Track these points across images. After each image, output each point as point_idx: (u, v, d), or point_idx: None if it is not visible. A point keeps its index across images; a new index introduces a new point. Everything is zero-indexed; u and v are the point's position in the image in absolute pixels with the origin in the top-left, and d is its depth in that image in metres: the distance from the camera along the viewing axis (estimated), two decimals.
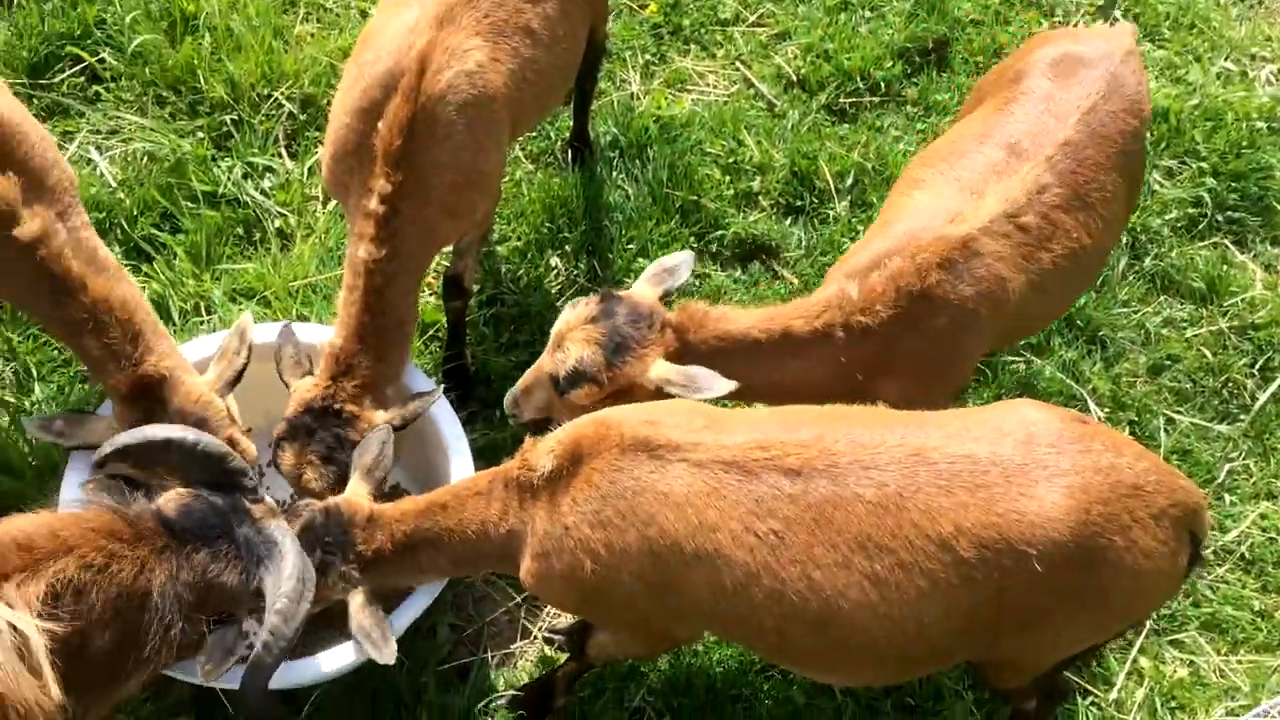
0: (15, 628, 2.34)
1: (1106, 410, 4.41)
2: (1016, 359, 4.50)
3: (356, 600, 3.06)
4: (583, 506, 2.80)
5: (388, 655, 2.99)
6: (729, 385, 3.15)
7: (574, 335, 3.27)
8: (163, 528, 2.70)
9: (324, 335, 3.63)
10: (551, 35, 3.63)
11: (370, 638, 3.00)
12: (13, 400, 4.07)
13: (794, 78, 5.27)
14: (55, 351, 4.22)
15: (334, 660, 3.29)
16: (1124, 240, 4.71)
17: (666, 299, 3.48)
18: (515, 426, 3.56)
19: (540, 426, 3.38)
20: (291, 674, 3.24)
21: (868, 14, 5.42)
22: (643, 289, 3.45)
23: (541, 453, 2.92)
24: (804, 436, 2.78)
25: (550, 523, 2.85)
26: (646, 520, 2.73)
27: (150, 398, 3.29)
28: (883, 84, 5.21)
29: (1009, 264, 3.30)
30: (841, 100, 5.20)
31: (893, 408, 3.22)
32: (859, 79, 5.21)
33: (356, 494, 3.17)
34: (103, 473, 2.89)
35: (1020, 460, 2.70)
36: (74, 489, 3.29)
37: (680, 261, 3.51)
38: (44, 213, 3.16)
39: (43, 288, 3.20)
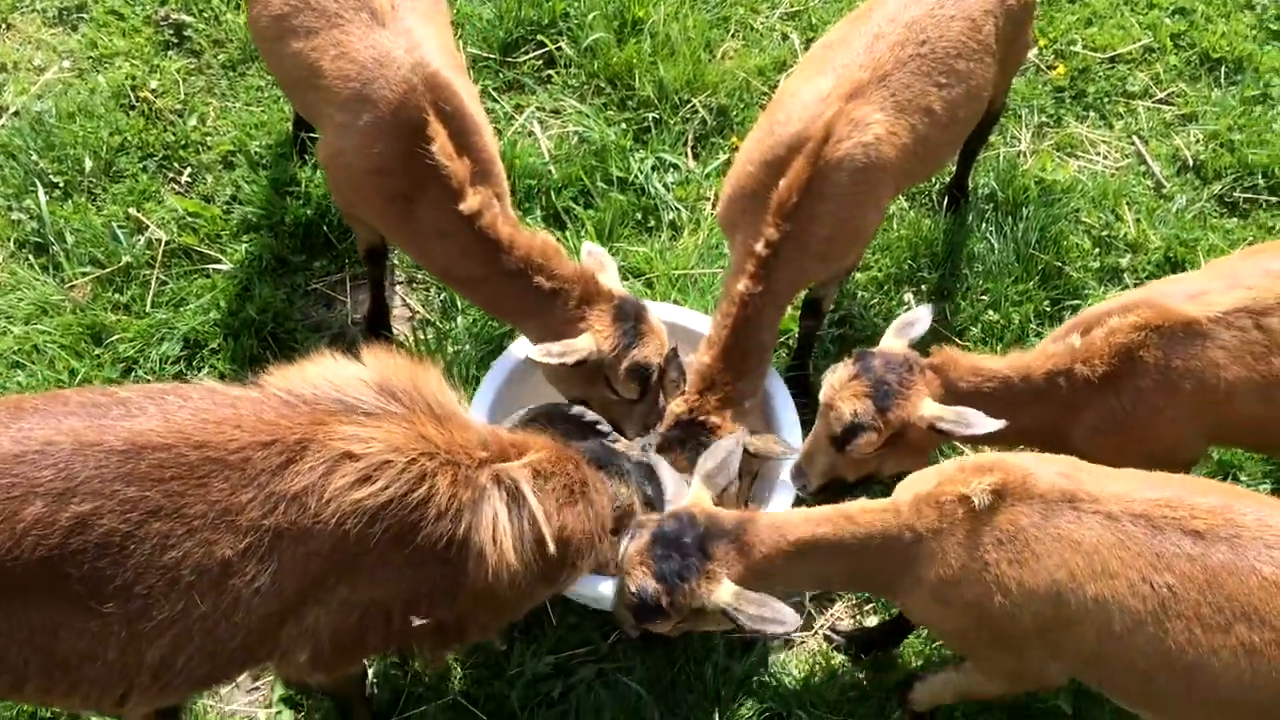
0: (521, 492, 2.99)
1: None
2: None
3: (729, 592, 3.07)
4: (1006, 545, 3.01)
5: (791, 621, 3.01)
6: (996, 424, 3.32)
7: (841, 395, 3.52)
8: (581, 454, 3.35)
9: (687, 320, 4.24)
10: (951, 117, 3.89)
11: (767, 620, 3.01)
12: (438, 325, 4.94)
13: (1190, 162, 5.24)
14: None
15: None
16: None
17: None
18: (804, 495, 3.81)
19: (826, 493, 3.71)
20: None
21: None
22: (890, 342, 3.69)
23: (977, 487, 3.05)
24: (1211, 503, 2.96)
25: (970, 555, 3.04)
26: (1059, 565, 2.96)
27: (613, 308, 3.86)
28: None
29: (1231, 355, 3.33)
30: (1236, 193, 5.13)
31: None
32: (1260, 175, 5.11)
33: (699, 498, 3.31)
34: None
35: None
36: (486, 401, 4.10)
37: (920, 316, 3.73)
38: (485, 192, 3.82)
39: (478, 251, 3.82)
